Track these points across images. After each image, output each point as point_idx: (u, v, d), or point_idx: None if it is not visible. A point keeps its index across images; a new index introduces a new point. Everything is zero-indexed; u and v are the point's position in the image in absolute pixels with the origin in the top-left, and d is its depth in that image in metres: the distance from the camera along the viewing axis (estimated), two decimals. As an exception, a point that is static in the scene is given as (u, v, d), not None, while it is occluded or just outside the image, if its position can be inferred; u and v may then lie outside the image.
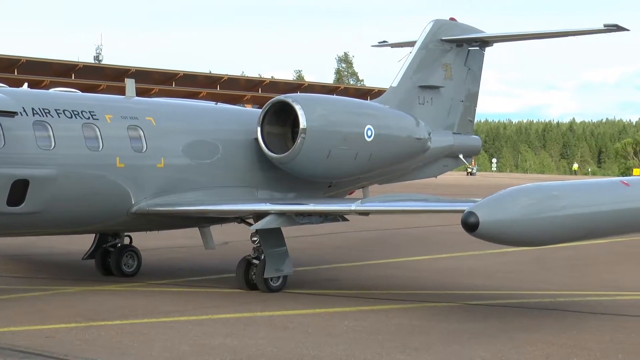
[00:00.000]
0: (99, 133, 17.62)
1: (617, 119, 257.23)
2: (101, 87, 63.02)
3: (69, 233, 19.31)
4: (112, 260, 20.20)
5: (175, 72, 73.95)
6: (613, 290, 19.40)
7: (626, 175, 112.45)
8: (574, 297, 18.30)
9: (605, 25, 22.80)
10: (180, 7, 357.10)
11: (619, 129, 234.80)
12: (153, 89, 65.05)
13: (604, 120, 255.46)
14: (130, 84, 19.71)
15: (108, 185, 17.72)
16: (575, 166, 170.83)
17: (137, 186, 18.06)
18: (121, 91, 20.20)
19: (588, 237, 16.48)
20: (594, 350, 13.23)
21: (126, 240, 20.68)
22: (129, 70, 66.28)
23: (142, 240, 21.47)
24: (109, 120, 17.93)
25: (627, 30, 22.81)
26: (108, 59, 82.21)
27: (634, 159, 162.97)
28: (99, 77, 67.84)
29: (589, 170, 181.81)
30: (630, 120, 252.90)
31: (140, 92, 21.55)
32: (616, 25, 22.67)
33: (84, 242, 21.30)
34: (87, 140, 17.45)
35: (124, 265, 20.23)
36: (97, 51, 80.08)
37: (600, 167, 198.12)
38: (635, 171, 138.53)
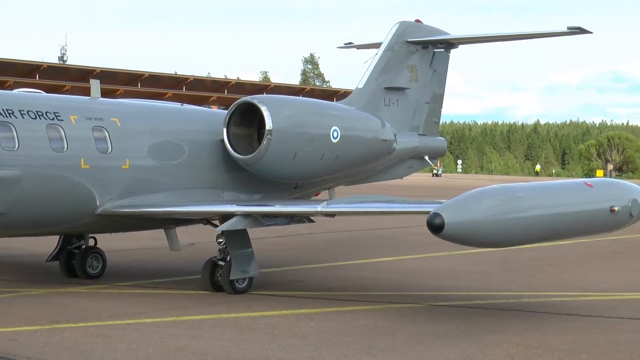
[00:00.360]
0: (63, 134, 17.51)
1: (580, 120, 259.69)
2: (66, 88, 62.70)
3: (33, 235, 19.17)
4: (76, 262, 20.08)
5: (140, 73, 73.74)
6: (577, 291, 19.54)
7: (590, 177, 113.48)
8: (538, 298, 18.41)
9: (568, 28, 22.95)
10: (146, 8, 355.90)
11: (583, 131, 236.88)
12: (118, 89, 64.83)
13: (567, 122, 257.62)
14: (95, 85, 19.61)
15: (73, 187, 17.60)
16: (538, 167, 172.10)
17: (102, 187, 17.97)
18: (86, 92, 20.10)
19: (552, 238, 16.61)
20: (558, 350, 13.32)
21: (91, 242, 20.56)
22: (94, 70, 66.00)
23: (107, 241, 21.36)
24: (73, 121, 17.82)
25: (590, 32, 22.97)
26: (73, 60, 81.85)
27: (597, 160, 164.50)
28: (63, 77, 67.51)
29: (553, 171, 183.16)
30: (593, 122, 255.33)
31: (105, 93, 21.41)
32: (579, 28, 22.83)
33: (48, 243, 21.15)
34: (51, 141, 17.32)
35: (89, 267, 20.11)
36: (62, 51, 79.76)
37: (564, 168, 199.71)
38: (599, 172, 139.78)
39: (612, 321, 15.91)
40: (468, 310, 16.93)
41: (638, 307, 17.78)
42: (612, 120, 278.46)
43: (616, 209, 16.28)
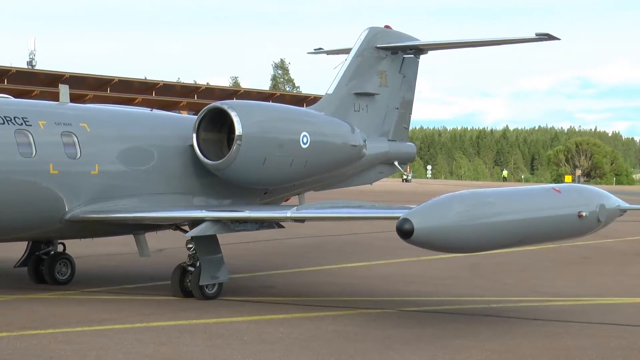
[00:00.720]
0: (32, 139, 17.40)
1: (549, 126, 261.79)
2: (34, 93, 62.24)
3: (1, 240, 19.01)
4: (45, 268, 19.95)
5: (110, 78, 73.35)
6: (545, 297, 19.65)
7: (558, 182, 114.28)
8: (507, 303, 18.50)
9: (537, 34, 23.08)
10: (115, 13, 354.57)
11: (551, 136, 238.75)
12: (87, 94, 64.42)
13: (536, 128, 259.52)
14: (64, 90, 19.49)
15: (41, 192, 17.50)
16: (505, 173, 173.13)
17: (71, 193, 17.87)
18: (55, 97, 19.98)
19: (521, 243, 16.71)
20: (526, 355, 13.38)
21: (60, 248, 20.43)
22: (63, 75, 65.61)
23: (76, 247, 21.24)
24: (42, 126, 17.71)
25: (558, 39, 23.13)
26: (41, 64, 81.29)
27: (565, 165, 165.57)
28: (32, 82, 67.02)
29: (522, 177, 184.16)
30: (561, 128, 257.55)
31: (74, 98, 21.30)
32: (547, 34, 22.97)
33: (16, 249, 21.00)
34: (20, 146, 17.21)
35: (58, 273, 19.99)
36: (31, 56, 79.01)
37: (533, 174, 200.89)
38: (567, 178, 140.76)
39: (581, 326, 16.02)
40: (438, 316, 16.98)
41: (606, 311, 17.91)
42: (580, 126, 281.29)
43: (584, 214, 16.39)
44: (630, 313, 17.69)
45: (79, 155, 18.03)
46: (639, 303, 19.22)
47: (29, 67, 76.27)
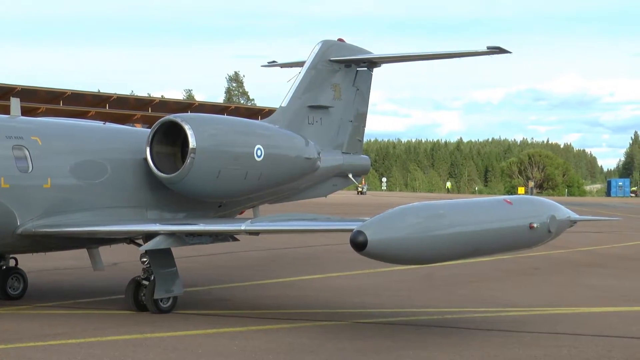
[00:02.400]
0: (-18, 153, 17.24)
1: (502, 138, 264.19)
2: (-15, 106, 61.67)
3: (-48, 255, 18.84)
4: (-4, 283, 19.79)
5: (62, 91, 72.94)
6: (498, 307, 19.80)
7: (512, 194, 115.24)
8: (461, 314, 18.62)
9: (488, 48, 23.31)
10: (67, 25, 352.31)
11: (504, 148, 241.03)
12: (39, 108, 64.03)
13: (490, 140, 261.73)
14: (15, 103, 19.33)
15: (-8, 207, 17.34)
16: (449, 185, 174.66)
17: (23, 207, 17.72)
18: (6, 110, 19.82)
19: (474, 254, 16.85)
20: (479, 365, 13.50)
21: (11, 262, 20.27)
22: (14, 88, 65.13)
23: (29, 261, 21.08)
24: (-7, 140, 17.56)
25: (509, 52, 23.35)
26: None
27: (518, 177, 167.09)
28: (-17, 95, 66.40)
29: (476, 188, 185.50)
30: (514, 140, 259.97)
31: (26, 111, 21.18)
32: (499, 48, 23.20)
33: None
34: (-30, 160, 17.06)
35: (10, 288, 19.82)
36: (-19, 69, 78.44)
37: (486, 185, 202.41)
38: (520, 189, 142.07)
39: (532, 336, 16.17)
40: (392, 327, 17.06)
41: (557, 321, 18.10)
42: (532, 138, 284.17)
43: (535, 225, 16.57)
44: (582, 323, 17.90)
45: (30, 169, 17.88)
46: (591, 313, 19.45)
47: (-20, 80, 75.61)
